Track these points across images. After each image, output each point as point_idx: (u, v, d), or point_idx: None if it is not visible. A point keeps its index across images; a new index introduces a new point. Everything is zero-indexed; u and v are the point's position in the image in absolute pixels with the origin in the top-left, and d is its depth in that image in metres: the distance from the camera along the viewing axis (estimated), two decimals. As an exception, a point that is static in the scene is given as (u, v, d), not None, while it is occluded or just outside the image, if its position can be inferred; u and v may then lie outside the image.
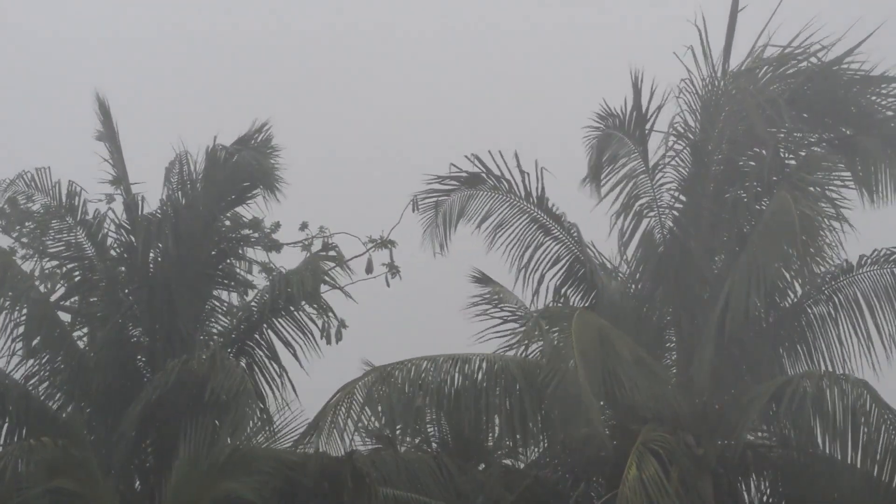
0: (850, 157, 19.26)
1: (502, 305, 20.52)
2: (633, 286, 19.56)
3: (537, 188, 20.14)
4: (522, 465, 20.66)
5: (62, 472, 18.07)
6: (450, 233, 20.34)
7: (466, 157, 20.27)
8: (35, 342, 19.96)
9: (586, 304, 19.80)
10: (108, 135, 21.07)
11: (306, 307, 20.94)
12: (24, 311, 19.92)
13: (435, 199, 20.54)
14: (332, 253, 21.78)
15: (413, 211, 20.77)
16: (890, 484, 17.53)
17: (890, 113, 19.33)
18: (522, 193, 20.20)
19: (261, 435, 20.00)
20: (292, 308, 20.79)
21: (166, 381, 18.68)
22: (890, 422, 17.52)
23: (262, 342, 20.85)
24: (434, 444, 20.62)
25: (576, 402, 16.80)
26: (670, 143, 19.43)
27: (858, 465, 17.67)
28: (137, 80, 37.27)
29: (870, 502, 17.77)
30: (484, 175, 20.27)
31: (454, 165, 20.34)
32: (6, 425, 19.42)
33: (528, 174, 20.08)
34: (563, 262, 20.14)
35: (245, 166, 20.62)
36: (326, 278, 20.93)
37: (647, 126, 19.52)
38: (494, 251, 20.19)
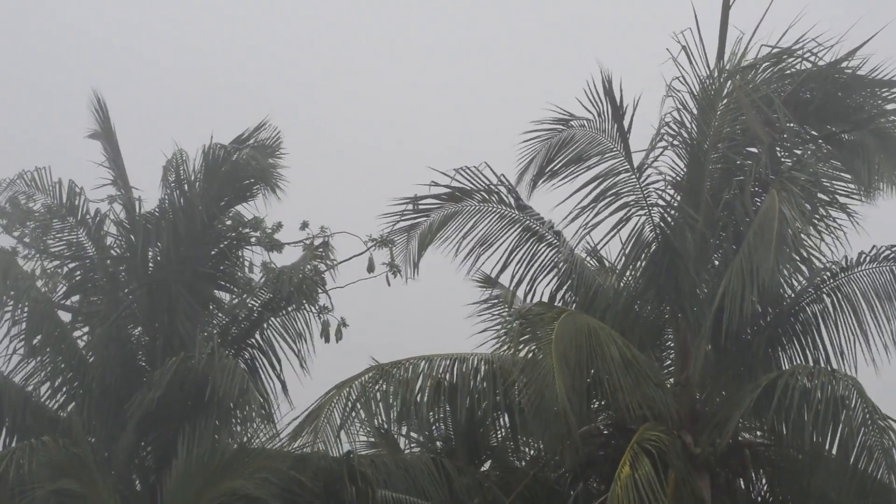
0: (846, 154, 19.24)
1: (505, 308, 20.62)
2: (624, 284, 19.47)
3: (517, 197, 20.08)
4: (523, 464, 20.70)
5: (64, 472, 18.15)
6: (422, 255, 20.11)
7: (445, 173, 20.10)
8: (35, 341, 20.05)
9: (582, 306, 19.77)
10: (106, 134, 21.13)
11: (306, 305, 21.02)
12: (25, 310, 20.03)
13: (409, 221, 20.34)
14: (322, 251, 21.74)
15: (414, 211, 20.70)
16: (866, 478, 17.53)
17: (888, 107, 19.26)
18: (513, 202, 20.11)
19: (261, 434, 20.05)
20: (291, 307, 20.86)
21: (165, 378, 18.73)
22: (870, 419, 17.47)
23: (262, 341, 20.93)
24: (435, 443, 20.64)
25: (553, 409, 16.73)
26: (659, 142, 19.34)
27: (838, 460, 17.68)
28: (139, 78, 37.39)
29: (847, 496, 17.74)
30: (470, 189, 20.09)
31: (435, 183, 20.14)
32: (5, 426, 19.56)
33: (508, 185, 20.01)
34: (559, 266, 20.07)
35: (244, 165, 20.69)
36: (317, 276, 20.99)
37: (627, 124, 19.32)
38: (487, 261, 20.20)
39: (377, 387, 18.94)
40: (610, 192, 19.27)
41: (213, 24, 43.61)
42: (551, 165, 19.79)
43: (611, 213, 19.20)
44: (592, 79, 19.38)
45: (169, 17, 42.44)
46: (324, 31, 44.47)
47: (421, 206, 20.19)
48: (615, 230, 19.16)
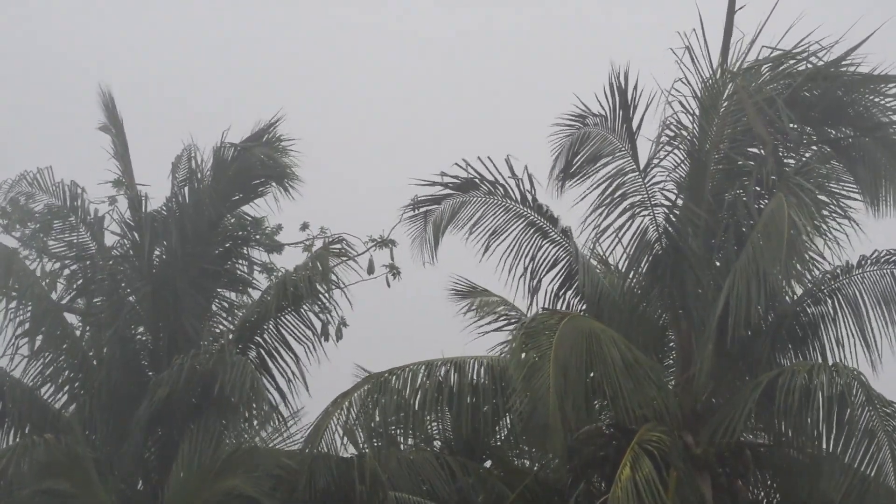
0: (852, 161, 19.24)
1: (488, 312, 20.64)
2: (628, 285, 19.48)
3: (531, 191, 20.10)
4: (525, 464, 20.75)
5: (56, 472, 18.13)
6: (440, 241, 20.20)
7: (456, 163, 20.19)
8: (38, 340, 20.04)
9: (584, 306, 19.77)
10: (115, 131, 21.10)
11: (310, 305, 20.98)
12: (28, 308, 20.03)
13: (424, 209, 20.38)
14: (337, 247, 21.70)
15: (413, 211, 20.73)
16: (864, 466, 17.52)
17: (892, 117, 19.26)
18: (518, 197, 20.10)
19: (269, 432, 20.03)
20: (294, 308, 20.83)
21: (177, 378, 18.74)
22: (874, 406, 17.48)
23: (266, 341, 20.90)
24: (437, 443, 20.65)
25: (544, 424, 16.80)
26: (663, 142, 19.35)
27: (839, 450, 17.65)
28: (144, 75, 37.40)
29: (847, 487, 17.66)
30: (478, 180, 20.12)
31: (444, 173, 20.22)
32: (7, 424, 19.56)
33: (522, 179, 20.03)
34: (562, 264, 20.07)
35: (255, 163, 20.62)
36: (332, 276, 20.93)
37: (635, 124, 19.35)
38: (490, 257, 20.14)
39: (376, 399, 19.01)
40: (618, 193, 19.31)
41: (209, 23, 43.66)
42: (575, 162, 19.75)
43: (619, 215, 19.24)
44: (610, 76, 19.44)
45: (175, 17, 42.52)
46: (327, 29, 44.49)
47: (433, 194, 20.27)
48: (622, 231, 19.19)
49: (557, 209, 20.03)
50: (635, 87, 19.25)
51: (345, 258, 21.55)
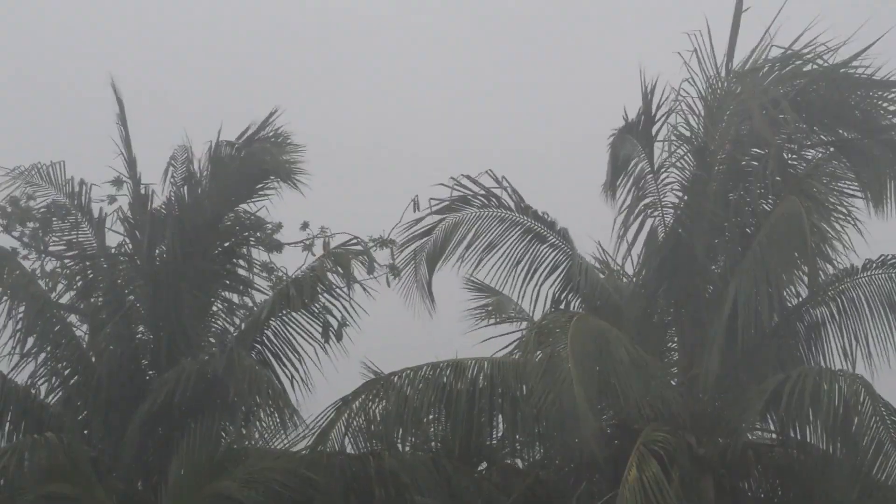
0: (856, 162, 19.20)
1: (500, 315, 20.59)
2: (637, 287, 19.48)
3: (521, 200, 20.13)
4: (524, 465, 20.69)
5: (56, 474, 18.03)
6: (432, 277, 20.18)
7: (443, 184, 20.22)
8: (33, 339, 19.93)
9: (584, 308, 19.75)
10: (119, 128, 21.00)
11: (324, 304, 20.87)
12: (22, 307, 19.94)
13: (414, 245, 20.39)
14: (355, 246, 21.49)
15: (413, 211, 20.67)
16: (872, 474, 17.51)
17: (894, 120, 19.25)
18: (513, 205, 20.13)
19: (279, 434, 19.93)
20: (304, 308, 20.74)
21: (185, 380, 18.66)
22: (882, 414, 17.47)
23: (266, 342, 20.81)
24: (435, 445, 20.61)
25: (571, 415, 16.73)
26: (671, 144, 19.39)
27: (844, 454, 17.67)
28: (144, 75, 37.34)
29: (855, 494, 17.67)
30: (470, 196, 20.15)
31: (433, 198, 20.26)
32: (5, 424, 19.48)
33: (513, 190, 20.05)
34: (562, 267, 20.12)
35: (254, 160, 20.45)
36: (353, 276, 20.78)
37: (654, 128, 19.45)
38: (490, 271, 20.25)
39: (379, 404, 19.00)
40: (637, 195, 19.45)
41: (209, 23, 43.70)
42: (619, 167, 19.77)
43: (635, 217, 19.36)
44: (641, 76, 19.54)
45: (175, 17, 42.57)
46: (325, 26, 44.50)
47: (422, 229, 20.28)
48: (638, 233, 19.31)
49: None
50: (649, 88, 19.35)
51: (363, 259, 21.38)
